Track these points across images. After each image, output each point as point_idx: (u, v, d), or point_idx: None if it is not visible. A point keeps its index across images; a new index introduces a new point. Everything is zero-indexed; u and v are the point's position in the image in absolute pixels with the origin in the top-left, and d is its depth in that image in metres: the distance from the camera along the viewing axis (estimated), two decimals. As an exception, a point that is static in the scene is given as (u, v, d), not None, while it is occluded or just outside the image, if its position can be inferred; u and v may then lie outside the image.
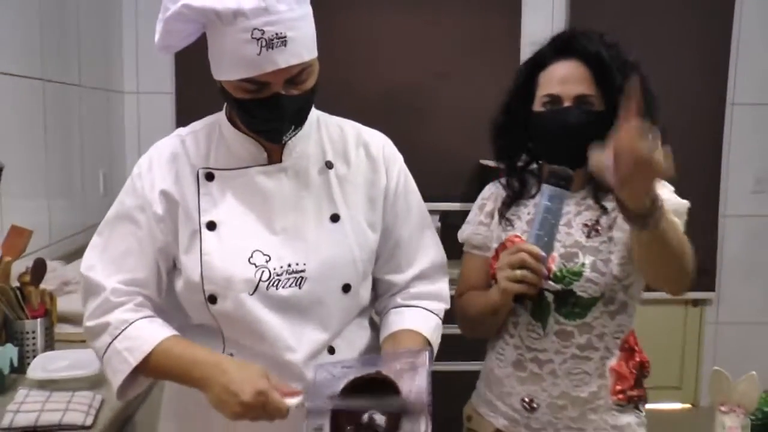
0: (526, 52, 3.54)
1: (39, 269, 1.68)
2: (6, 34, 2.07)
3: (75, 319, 1.86)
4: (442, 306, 1.37)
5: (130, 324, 1.19)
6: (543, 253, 1.26)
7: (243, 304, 1.19)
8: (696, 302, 3.61)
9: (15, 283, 1.68)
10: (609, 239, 1.37)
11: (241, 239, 1.20)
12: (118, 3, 3.16)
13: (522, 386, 1.42)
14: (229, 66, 1.12)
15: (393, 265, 1.35)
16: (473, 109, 3.34)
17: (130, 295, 1.22)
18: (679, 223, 1.32)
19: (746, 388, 1.28)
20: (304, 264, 1.21)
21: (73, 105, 2.63)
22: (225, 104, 1.28)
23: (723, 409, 1.30)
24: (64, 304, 1.87)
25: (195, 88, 3.23)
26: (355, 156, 1.30)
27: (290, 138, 1.22)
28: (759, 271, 3.56)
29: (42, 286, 1.74)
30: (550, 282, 1.36)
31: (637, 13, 3.35)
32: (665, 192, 1.32)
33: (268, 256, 1.20)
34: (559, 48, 1.40)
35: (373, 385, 1.15)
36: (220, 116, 1.29)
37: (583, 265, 1.36)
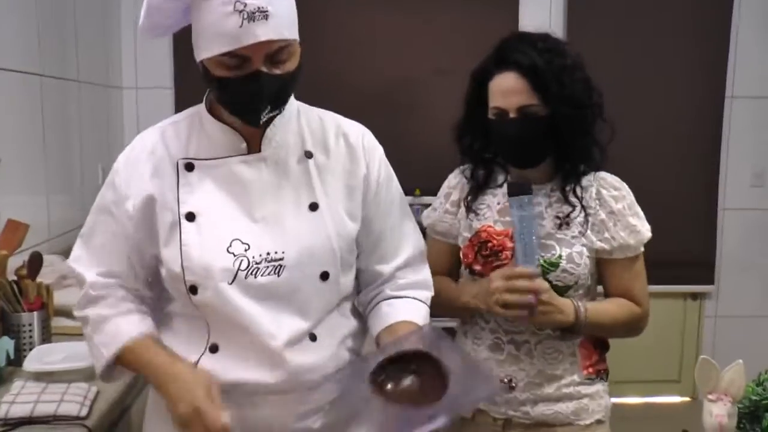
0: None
1: (35, 263, 1.69)
2: (2, 29, 2.08)
3: (72, 313, 1.87)
4: (429, 294, 1.39)
5: (106, 320, 1.25)
6: (537, 271, 1.38)
7: (222, 294, 1.20)
8: (695, 295, 3.62)
9: (12, 277, 1.69)
10: (580, 234, 1.48)
11: (220, 229, 1.22)
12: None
13: (500, 368, 1.50)
14: (210, 40, 1.13)
15: (378, 255, 1.35)
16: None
17: (108, 288, 1.27)
18: (612, 307, 1.51)
19: (733, 376, 1.30)
20: (283, 252, 1.22)
21: (71, 100, 2.65)
22: (205, 94, 1.30)
23: (711, 397, 1.31)
24: (61, 298, 1.88)
25: (194, 84, 3.21)
26: (334, 145, 1.30)
27: (267, 118, 1.21)
28: (758, 264, 3.56)
29: (39, 279, 1.75)
30: None
31: (635, 6, 3.35)
32: (630, 221, 1.48)
33: (247, 244, 1.21)
34: (497, 60, 1.48)
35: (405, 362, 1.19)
36: (200, 107, 1.30)
37: (560, 256, 1.45)
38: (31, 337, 1.64)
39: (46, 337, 1.69)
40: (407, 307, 1.34)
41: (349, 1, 3.28)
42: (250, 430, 1.24)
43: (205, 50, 1.15)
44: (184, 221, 1.22)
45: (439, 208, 1.61)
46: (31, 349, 1.61)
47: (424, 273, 1.39)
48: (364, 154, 1.32)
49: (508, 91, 1.44)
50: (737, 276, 3.56)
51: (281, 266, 1.22)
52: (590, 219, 1.48)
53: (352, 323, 1.36)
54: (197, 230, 1.21)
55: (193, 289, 1.21)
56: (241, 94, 1.16)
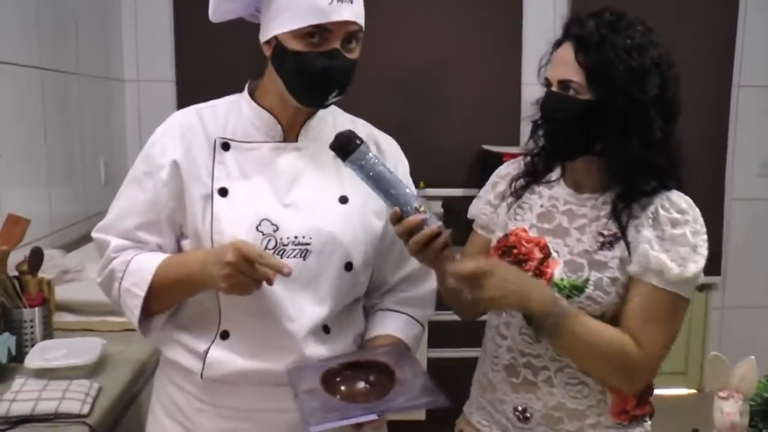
0: (528, 38, 3.54)
1: (36, 258, 1.68)
2: (1, 22, 2.06)
3: (74, 308, 1.86)
4: (428, 313, 1.42)
5: (130, 261, 1.27)
6: (421, 214, 1.19)
7: None
8: (701, 287, 3.59)
9: (13, 272, 1.68)
10: (621, 260, 1.26)
11: (250, 207, 1.25)
12: (117, -10, 3.15)
13: (516, 394, 1.33)
14: (296, 14, 1.18)
15: (387, 262, 1.39)
16: (475, 94, 3.33)
17: (129, 249, 1.30)
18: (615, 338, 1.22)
19: (744, 373, 1.26)
20: (311, 238, 1.25)
21: (72, 93, 2.62)
22: (248, 82, 1.34)
23: (722, 394, 1.28)
24: (63, 293, 1.87)
25: (196, 76, 3.25)
26: None
27: (330, 102, 1.27)
28: (765, 255, 3.53)
29: (41, 274, 1.73)
30: None
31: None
32: (681, 251, 1.22)
33: (276, 226, 1.24)
34: (564, 29, 1.30)
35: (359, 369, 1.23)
36: (242, 94, 1.34)
37: (587, 280, 1.25)
38: (32, 333, 1.62)
39: (48, 332, 1.68)
40: (398, 323, 1.37)
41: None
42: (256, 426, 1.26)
43: (289, 23, 1.19)
44: (216, 195, 1.25)
45: (483, 198, 1.47)
46: (32, 346, 1.59)
47: (428, 286, 1.41)
48: (393, 161, 1.37)
49: (557, 61, 1.28)
50: (744, 267, 3.54)
51: (308, 250, 1.25)
52: (636, 237, 1.25)
53: (362, 324, 1.38)
54: (229, 205, 1.25)
55: None
56: (318, 69, 1.20)
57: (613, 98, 1.21)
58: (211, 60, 3.13)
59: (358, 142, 1.20)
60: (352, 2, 1.20)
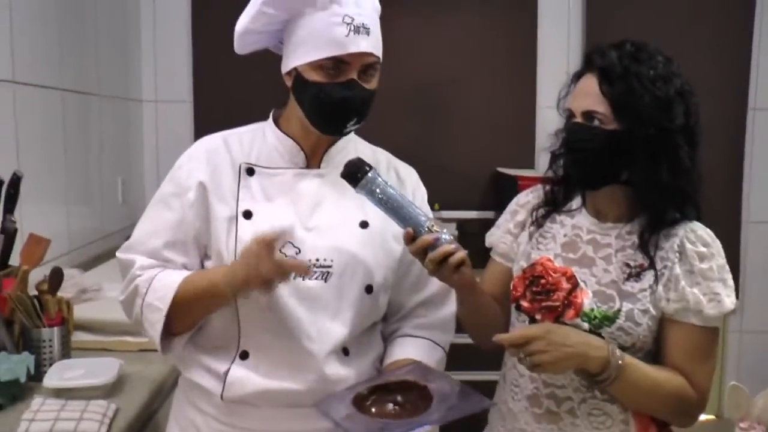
0: (543, 61, 3.55)
1: (56, 278, 1.69)
2: (24, 43, 2.10)
3: (92, 327, 1.87)
4: (448, 337, 1.43)
5: (154, 278, 1.29)
6: (435, 233, 1.21)
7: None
8: (718, 311, 3.56)
9: (33, 292, 1.69)
10: (651, 290, 1.27)
11: (274, 229, 1.25)
12: (136, 12, 3.19)
13: (537, 424, 1.32)
14: (315, 46, 1.23)
15: (403, 287, 1.40)
16: (490, 117, 3.34)
17: (154, 268, 1.31)
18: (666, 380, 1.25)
19: (766, 404, 1.25)
20: (332, 260, 1.28)
21: (92, 114, 2.66)
22: (272, 111, 1.38)
23: (742, 425, 1.26)
24: (81, 312, 1.88)
25: (213, 97, 3.28)
26: (385, 175, 1.36)
27: (349, 130, 1.30)
28: (783, 278, 3.50)
29: (59, 294, 1.75)
30: (578, 319, 1.25)
31: (654, 18, 3.31)
32: (713, 286, 1.25)
33: (298, 248, 1.27)
34: (585, 61, 1.33)
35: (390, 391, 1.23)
36: (266, 122, 1.38)
37: (618, 311, 1.26)
38: (51, 352, 1.63)
39: (66, 352, 1.68)
40: (419, 347, 1.37)
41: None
42: None
43: (308, 55, 1.23)
44: (241, 218, 1.28)
45: (502, 226, 1.47)
46: (50, 365, 1.60)
47: (447, 310, 1.41)
48: (412, 189, 1.40)
49: (580, 92, 1.30)
50: (762, 290, 3.49)
51: (329, 273, 1.28)
52: (665, 273, 1.27)
53: (380, 347, 1.40)
54: (252, 228, 1.27)
55: None
56: (336, 99, 1.24)
57: (641, 128, 1.23)
58: (227, 82, 3.16)
59: (366, 168, 1.23)
60: (368, 34, 1.23)
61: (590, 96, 1.26)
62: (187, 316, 1.28)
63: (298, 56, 1.25)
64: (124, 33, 3.07)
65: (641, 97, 1.22)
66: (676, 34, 3.30)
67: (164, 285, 1.27)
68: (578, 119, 1.28)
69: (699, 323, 1.26)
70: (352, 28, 1.22)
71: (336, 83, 1.24)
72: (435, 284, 1.37)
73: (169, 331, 1.29)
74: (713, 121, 3.40)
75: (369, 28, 1.24)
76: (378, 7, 1.32)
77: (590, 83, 1.28)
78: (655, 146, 1.23)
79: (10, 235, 1.71)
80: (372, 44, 1.24)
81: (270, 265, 1.14)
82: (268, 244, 1.15)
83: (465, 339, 1.46)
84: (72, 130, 2.45)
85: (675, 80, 1.26)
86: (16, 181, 1.74)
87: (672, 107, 1.24)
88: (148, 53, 3.25)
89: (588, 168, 1.29)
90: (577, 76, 1.33)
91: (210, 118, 3.16)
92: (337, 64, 1.23)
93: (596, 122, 1.26)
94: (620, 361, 1.21)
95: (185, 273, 1.29)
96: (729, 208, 3.41)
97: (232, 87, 3.12)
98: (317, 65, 1.23)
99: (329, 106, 1.25)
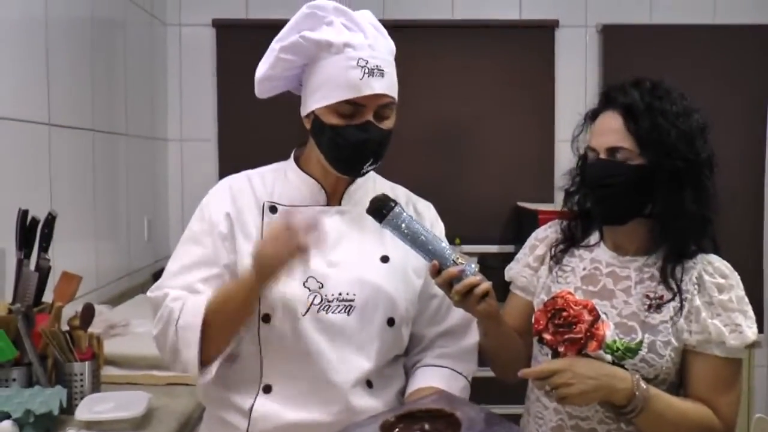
0: (560, 96, 3.59)
1: (88, 314, 1.73)
2: (59, 87, 2.18)
3: (120, 362, 1.91)
4: (471, 367, 1.42)
5: (186, 302, 1.29)
6: (462, 268, 1.24)
7: (294, 324, 1.27)
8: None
9: (65, 327, 1.73)
10: (671, 321, 1.30)
11: (297, 265, 1.27)
12: (163, 54, 3.30)
13: None
14: (331, 90, 1.27)
15: (423, 319, 1.41)
16: (510, 151, 3.38)
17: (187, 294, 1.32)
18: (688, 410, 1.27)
19: (793, 434, 1.24)
20: (354, 294, 1.30)
21: (119, 153, 2.74)
22: (294, 150, 1.41)
23: (770, 456, 1.25)
24: (110, 347, 1.92)
25: (236, 136, 3.36)
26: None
27: (366, 171, 1.32)
28: (809, 311, 3.45)
29: (89, 329, 1.79)
30: (600, 351, 1.26)
31: (671, 53, 3.34)
32: (733, 317, 1.27)
33: (321, 283, 1.29)
34: (605, 100, 1.36)
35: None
36: (288, 161, 1.41)
37: (641, 342, 1.28)
38: (82, 386, 1.67)
39: (96, 386, 1.72)
40: (442, 376, 1.38)
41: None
42: None
43: (325, 98, 1.27)
44: None
45: (522, 260, 1.50)
46: (82, 398, 1.64)
47: (469, 341, 1.42)
48: (430, 224, 1.42)
49: (603, 129, 1.32)
50: (788, 324, 3.45)
51: (351, 306, 1.30)
52: (685, 305, 1.29)
53: (403, 380, 1.41)
54: None
55: (266, 318, 1.28)
56: (353, 141, 1.27)
57: (669, 162, 1.27)
58: (251, 121, 3.23)
59: (392, 204, 1.26)
60: (383, 76, 1.26)
61: (615, 133, 1.30)
62: (221, 327, 1.27)
63: (315, 100, 1.29)
64: (152, 74, 3.17)
65: (668, 132, 1.27)
66: (692, 69, 3.33)
67: (195, 302, 1.28)
68: (602, 156, 1.31)
69: (722, 354, 1.28)
70: (367, 70, 1.24)
71: (352, 126, 1.27)
72: (455, 316, 1.39)
73: (203, 358, 1.28)
74: (732, 151, 3.44)
75: (383, 70, 1.26)
76: (393, 48, 1.35)
77: (612, 120, 1.31)
78: (680, 178, 1.27)
79: (44, 273, 1.76)
80: (386, 85, 1.27)
81: (292, 236, 1.17)
82: (291, 223, 1.18)
83: (488, 372, 1.48)
84: (101, 169, 2.53)
85: (694, 114, 1.31)
86: (50, 220, 1.80)
87: (695, 140, 1.29)
88: (174, 94, 3.35)
89: (615, 203, 1.31)
90: (594, 115, 1.37)
91: (234, 156, 3.23)
92: (353, 106, 1.26)
93: (619, 158, 1.29)
94: (646, 393, 1.22)
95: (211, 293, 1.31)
96: (751, 239, 3.40)
97: (256, 126, 3.20)
98: (334, 108, 1.27)
99: (346, 149, 1.28)
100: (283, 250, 1.18)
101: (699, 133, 1.30)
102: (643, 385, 1.23)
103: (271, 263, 1.20)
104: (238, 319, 1.28)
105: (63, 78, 2.21)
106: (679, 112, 1.30)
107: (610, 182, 1.30)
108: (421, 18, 3.31)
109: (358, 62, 1.25)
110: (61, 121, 2.19)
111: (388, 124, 1.31)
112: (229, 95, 3.28)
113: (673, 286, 1.30)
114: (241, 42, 3.10)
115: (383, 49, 1.30)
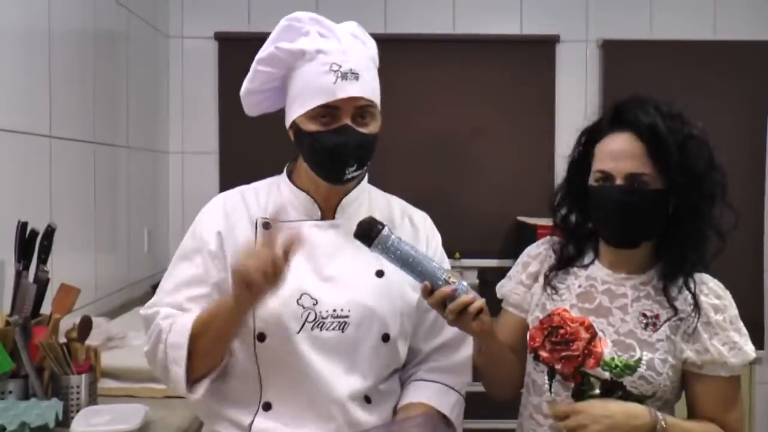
0: (560, 110, 3.60)
1: (85, 326, 1.73)
2: (61, 100, 2.19)
3: (118, 374, 1.90)
4: (464, 380, 1.41)
5: (174, 322, 1.29)
6: (454, 284, 1.23)
7: (289, 342, 1.26)
8: (745, 361, 3.49)
9: (62, 340, 1.73)
10: (668, 339, 1.30)
11: (291, 282, 1.26)
12: (166, 66, 3.31)
13: None
14: (307, 97, 1.27)
15: (418, 333, 1.40)
16: (510, 165, 3.38)
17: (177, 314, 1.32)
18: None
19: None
20: (349, 310, 1.29)
21: (120, 165, 2.75)
22: (286, 165, 1.41)
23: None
24: (107, 360, 1.91)
25: (238, 148, 3.37)
26: (399, 223, 1.40)
27: (351, 177, 1.30)
28: (810, 328, 3.44)
29: (87, 342, 1.78)
30: (598, 369, 1.28)
31: (672, 68, 3.34)
32: (731, 336, 1.29)
33: (316, 300, 1.28)
34: (613, 119, 1.32)
35: None
36: (281, 176, 1.41)
37: (639, 360, 1.28)
38: (78, 398, 1.66)
39: (93, 398, 1.71)
40: (432, 391, 1.37)
41: (386, 60, 3.37)
42: None
43: (301, 106, 1.27)
44: None
45: (514, 277, 1.49)
46: (78, 411, 1.63)
47: (463, 354, 1.41)
48: (426, 235, 1.41)
49: (619, 153, 1.27)
50: (789, 340, 3.44)
51: (346, 323, 1.29)
52: (682, 324, 1.30)
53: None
54: None
55: (260, 337, 1.27)
56: (330, 146, 1.26)
57: (686, 184, 1.26)
58: (252, 133, 3.22)
59: (379, 227, 1.24)
60: (357, 79, 1.25)
61: (635, 158, 1.26)
62: (208, 346, 1.26)
63: (294, 109, 1.29)
64: (154, 87, 3.18)
65: (692, 157, 1.26)
66: (692, 85, 3.34)
67: (183, 321, 1.28)
68: (620, 181, 1.28)
69: (726, 374, 1.30)
70: (340, 74, 1.24)
71: (329, 131, 1.26)
72: (451, 329, 1.37)
73: (193, 376, 1.29)
74: (732, 167, 3.43)
75: (357, 73, 1.25)
76: (374, 56, 1.34)
77: (629, 143, 1.27)
78: (694, 200, 1.27)
79: (43, 285, 1.76)
80: (361, 88, 1.26)
81: (268, 251, 1.13)
82: (271, 239, 1.16)
83: (480, 387, 1.47)
84: (101, 181, 2.53)
85: (707, 141, 1.31)
86: (50, 232, 1.80)
87: (711, 167, 1.29)
88: (176, 106, 3.36)
89: (634, 228, 1.31)
90: (595, 133, 1.34)
91: (236, 169, 3.24)
92: (329, 111, 1.25)
93: (640, 183, 1.27)
94: (664, 423, 1.24)
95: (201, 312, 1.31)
96: (751, 256, 3.39)
97: (257, 139, 3.19)
98: (311, 115, 1.27)
99: (324, 153, 1.27)
100: (260, 265, 1.13)
101: (715, 156, 1.30)
102: (660, 416, 1.25)
103: (247, 279, 1.14)
104: (224, 338, 1.27)
105: (65, 90, 2.22)
106: (699, 134, 1.29)
107: (632, 209, 1.28)
108: (422, 32, 3.33)
109: (330, 67, 1.25)
110: (62, 134, 2.20)
111: (370, 128, 1.29)
112: (231, 108, 3.25)
113: (671, 304, 1.31)
114: (243, 54, 3.05)
115: (360, 55, 1.29)
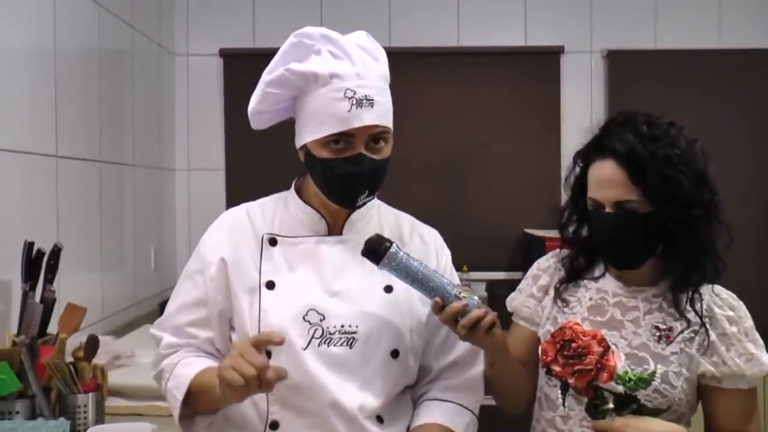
0: (565, 121, 3.59)
1: (92, 345, 1.72)
2: (67, 120, 2.20)
3: (125, 393, 1.89)
4: (477, 398, 1.39)
5: (177, 364, 1.32)
6: (465, 300, 1.22)
7: (296, 358, 1.25)
8: None
9: (69, 359, 1.72)
10: (682, 352, 1.29)
11: (297, 298, 1.28)
12: (171, 85, 3.33)
13: None
14: (319, 124, 1.24)
15: (429, 350, 1.38)
16: (516, 178, 3.37)
17: (181, 347, 1.35)
18: None
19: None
20: (357, 326, 1.28)
21: (127, 183, 2.75)
22: (295, 180, 1.40)
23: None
24: (114, 378, 1.90)
25: (245, 165, 3.37)
26: (409, 239, 1.39)
27: (363, 203, 1.29)
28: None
29: (94, 361, 1.77)
30: (612, 383, 1.27)
31: (678, 80, 3.33)
32: (748, 347, 1.29)
33: (322, 315, 1.27)
34: (596, 145, 1.32)
35: None
36: (288, 191, 1.40)
37: (653, 373, 1.27)
38: (85, 418, 1.65)
39: (100, 417, 1.70)
40: (446, 411, 1.35)
41: (391, 73, 3.37)
42: None
43: (313, 133, 1.25)
44: (264, 289, 1.29)
45: (525, 291, 1.48)
46: (85, 430, 1.62)
47: (475, 371, 1.39)
48: (436, 252, 1.40)
49: (604, 182, 1.28)
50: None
51: (354, 339, 1.27)
52: (697, 337, 1.29)
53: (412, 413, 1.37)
54: (276, 298, 1.28)
55: (267, 354, 1.23)
56: (343, 175, 1.24)
57: (670, 209, 1.24)
58: (259, 150, 3.22)
59: (387, 244, 1.23)
60: (372, 106, 1.22)
61: (619, 186, 1.26)
62: (204, 404, 1.29)
63: (306, 134, 1.27)
64: (159, 104, 3.19)
65: (678, 184, 1.24)
66: (697, 94, 3.33)
67: (183, 374, 1.29)
68: (609, 210, 1.28)
69: (745, 387, 1.29)
70: (354, 101, 1.21)
71: (342, 159, 1.23)
72: (463, 346, 1.37)
73: (191, 411, 1.31)
74: (739, 176, 3.42)
75: (372, 99, 1.22)
76: (385, 73, 1.31)
77: (612, 172, 1.26)
78: (682, 223, 1.26)
79: (49, 305, 1.75)
80: (377, 115, 1.23)
81: (259, 359, 1.11)
82: (255, 342, 1.14)
83: (491, 401, 1.45)
84: (108, 200, 2.53)
85: (695, 149, 1.28)
86: (56, 252, 1.80)
87: (704, 182, 1.27)
88: (181, 123, 3.37)
89: (631, 252, 1.31)
90: (587, 158, 1.33)
91: (243, 185, 3.24)
92: (343, 138, 1.23)
93: (629, 209, 1.26)
94: None
95: (205, 363, 1.30)
96: (764, 265, 3.36)
97: (264, 155, 3.18)
98: (324, 142, 1.24)
99: (337, 182, 1.26)
100: (246, 372, 1.10)
101: (705, 173, 1.28)
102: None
103: (232, 385, 1.12)
104: (218, 406, 1.29)
105: (70, 109, 2.23)
106: (682, 154, 1.26)
107: (624, 236, 1.28)
108: (427, 45, 3.34)
109: (345, 93, 1.21)
110: (68, 153, 2.20)
111: (383, 154, 1.27)
112: (237, 124, 3.29)
113: (685, 317, 1.30)
114: (248, 71, 3.06)
115: (373, 75, 1.25)
